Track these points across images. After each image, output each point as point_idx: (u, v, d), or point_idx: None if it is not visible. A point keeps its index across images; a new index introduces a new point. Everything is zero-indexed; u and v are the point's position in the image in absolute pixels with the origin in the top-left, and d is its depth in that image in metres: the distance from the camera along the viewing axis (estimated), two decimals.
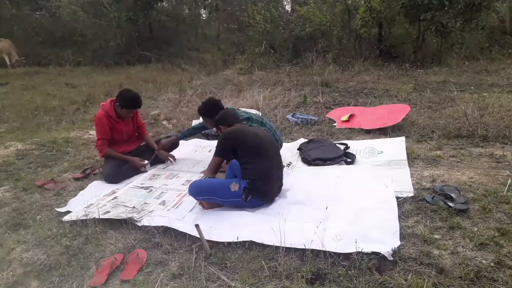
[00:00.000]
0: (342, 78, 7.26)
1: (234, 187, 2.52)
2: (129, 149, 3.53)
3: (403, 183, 2.76)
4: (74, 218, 2.54)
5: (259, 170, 2.52)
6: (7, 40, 11.34)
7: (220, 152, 2.67)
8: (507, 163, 3.03)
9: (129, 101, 3.31)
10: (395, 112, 4.30)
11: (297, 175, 3.15)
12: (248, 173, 2.53)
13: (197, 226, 2.13)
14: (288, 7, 12.72)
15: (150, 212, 2.61)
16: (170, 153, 3.74)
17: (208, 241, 2.14)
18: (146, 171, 3.46)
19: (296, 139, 4.10)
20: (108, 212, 2.62)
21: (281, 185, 2.76)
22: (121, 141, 3.50)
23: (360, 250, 1.92)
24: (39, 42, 13.46)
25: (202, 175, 3.29)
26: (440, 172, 2.96)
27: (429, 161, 3.20)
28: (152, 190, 3.06)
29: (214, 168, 2.71)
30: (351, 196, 2.60)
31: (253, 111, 4.94)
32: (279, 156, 2.77)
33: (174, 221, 2.41)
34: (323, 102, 5.58)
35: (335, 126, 4.52)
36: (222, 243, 2.17)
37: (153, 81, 8.21)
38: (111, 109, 3.32)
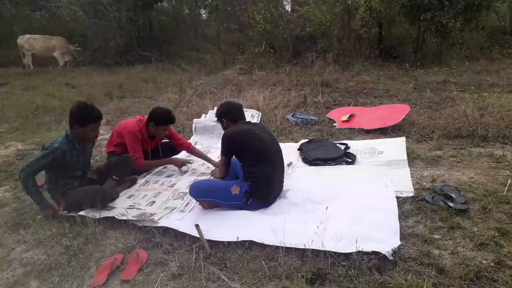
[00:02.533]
0: (342, 78, 7.25)
1: (235, 190, 2.51)
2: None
3: (403, 183, 2.76)
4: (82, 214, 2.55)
5: (261, 173, 2.50)
6: (60, 38, 11.35)
7: (225, 152, 2.63)
8: (507, 163, 3.03)
9: (163, 117, 3.26)
10: (395, 112, 4.30)
11: (297, 175, 3.15)
12: (250, 176, 2.52)
13: (197, 226, 2.13)
14: (288, 7, 12.71)
15: (152, 214, 2.59)
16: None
17: (208, 241, 2.14)
18: (186, 170, 3.45)
19: (296, 139, 4.10)
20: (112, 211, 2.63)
21: (282, 187, 2.74)
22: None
23: (360, 250, 1.92)
24: None
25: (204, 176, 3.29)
26: (440, 172, 2.97)
27: (429, 161, 3.20)
28: (193, 161, 3.61)
29: (225, 168, 2.70)
30: (351, 196, 2.60)
31: (253, 111, 4.96)
32: (282, 158, 2.73)
33: (174, 221, 2.41)
34: (323, 102, 5.58)
35: (335, 126, 4.52)
36: (222, 243, 2.17)
37: (153, 81, 8.21)
38: (145, 129, 3.30)
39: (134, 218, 2.46)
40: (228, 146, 2.59)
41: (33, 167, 2.56)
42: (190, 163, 3.53)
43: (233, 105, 2.83)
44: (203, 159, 3.54)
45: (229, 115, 2.71)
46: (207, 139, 4.39)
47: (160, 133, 3.33)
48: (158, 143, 3.57)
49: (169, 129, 3.45)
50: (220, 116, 2.75)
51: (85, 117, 2.64)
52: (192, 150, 3.58)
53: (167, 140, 3.72)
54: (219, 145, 4.03)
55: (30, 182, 2.57)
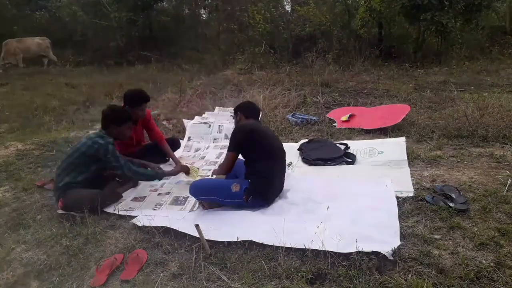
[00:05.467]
0: (342, 78, 7.25)
1: (235, 187, 2.52)
2: (133, 151, 3.51)
3: (403, 183, 2.76)
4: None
5: (264, 169, 2.52)
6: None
7: (234, 146, 2.57)
8: (507, 163, 3.03)
9: (136, 97, 3.29)
10: (395, 112, 4.30)
11: (297, 175, 3.15)
12: (252, 171, 2.54)
13: (197, 226, 2.13)
14: (288, 7, 12.70)
15: (150, 214, 2.59)
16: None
17: (208, 241, 2.14)
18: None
19: (296, 139, 4.10)
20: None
21: (282, 188, 2.76)
22: (128, 145, 3.45)
23: (360, 250, 1.92)
24: None
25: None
26: (440, 172, 2.96)
27: (429, 161, 3.20)
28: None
29: (230, 164, 2.61)
30: (351, 196, 2.60)
31: None
32: (284, 159, 2.76)
33: (174, 221, 2.41)
34: (323, 102, 5.58)
35: (335, 126, 4.52)
36: (222, 243, 2.17)
37: (153, 81, 8.20)
38: None
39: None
40: (239, 138, 2.57)
41: (121, 161, 2.73)
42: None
43: (254, 105, 2.91)
44: (169, 156, 3.54)
45: (246, 110, 2.78)
46: (198, 137, 4.38)
47: (138, 114, 3.31)
48: (143, 134, 3.58)
49: (150, 121, 3.48)
50: (237, 108, 2.83)
51: (120, 117, 2.85)
52: (162, 144, 3.53)
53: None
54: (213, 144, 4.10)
55: (138, 169, 2.82)
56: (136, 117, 3.35)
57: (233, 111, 2.92)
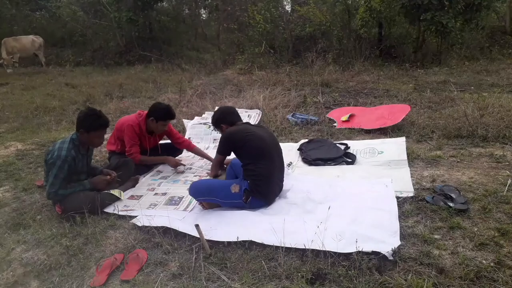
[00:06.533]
0: (342, 78, 7.26)
1: (235, 188, 2.52)
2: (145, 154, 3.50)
3: (403, 183, 2.76)
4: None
5: (261, 171, 2.51)
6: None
7: (222, 150, 2.66)
8: (507, 163, 3.03)
9: (163, 112, 3.23)
10: (395, 112, 4.30)
11: (297, 175, 3.15)
12: (249, 174, 2.53)
13: (197, 226, 2.13)
14: (288, 7, 12.73)
15: (150, 214, 2.60)
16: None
17: (208, 241, 2.14)
18: (183, 171, 3.43)
19: (296, 139, 4.10)
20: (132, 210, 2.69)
21: (282, 186, 2.75)
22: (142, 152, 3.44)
23: (360, 250, 1.92)
24: None
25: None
26: (440, 172, 2.96)
27: (429, 161, 3.20)
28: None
29: (217, 166, 2.72)
30: (351, 196, 2.60)
31: (254, 112, 4.96)
32: (281, 158, 2.75)
33: (174, 221, 2.41)
34: (323, 102, 5.58)
35: (335, 126, 4.52)
36: (222, 243, 2.17)
37: (153, 81, 8.21)
38: (144, 123, 3.29)
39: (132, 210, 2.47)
40: (227, 145, 2.63)
41: (56, 186, 2.56)
42: (184, 164, 3.49)
43: (228, 108, 2.88)
44: (203, 157, 3.58)
45: (226, 119, 2.74)
46: (198, 137, 4.38)
47: (159, 129, 3.31)
48: (158, 142, 3.56)
49: (169, 127, 3.44)
50: (217, 122, 2.76)
51: (91, 124, 2.63)
52: (192, 149, 3.60)
53: (168, 141, 3.71)
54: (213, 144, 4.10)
55: (65, 193, 2.61)
56: (156, 131, 3.35)
57: (212, 125, 2.81)
